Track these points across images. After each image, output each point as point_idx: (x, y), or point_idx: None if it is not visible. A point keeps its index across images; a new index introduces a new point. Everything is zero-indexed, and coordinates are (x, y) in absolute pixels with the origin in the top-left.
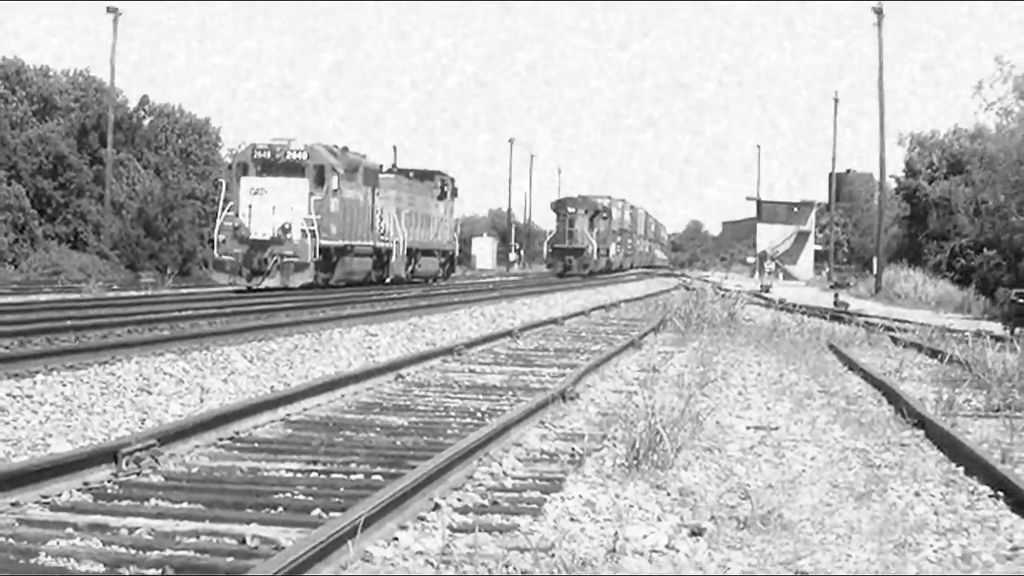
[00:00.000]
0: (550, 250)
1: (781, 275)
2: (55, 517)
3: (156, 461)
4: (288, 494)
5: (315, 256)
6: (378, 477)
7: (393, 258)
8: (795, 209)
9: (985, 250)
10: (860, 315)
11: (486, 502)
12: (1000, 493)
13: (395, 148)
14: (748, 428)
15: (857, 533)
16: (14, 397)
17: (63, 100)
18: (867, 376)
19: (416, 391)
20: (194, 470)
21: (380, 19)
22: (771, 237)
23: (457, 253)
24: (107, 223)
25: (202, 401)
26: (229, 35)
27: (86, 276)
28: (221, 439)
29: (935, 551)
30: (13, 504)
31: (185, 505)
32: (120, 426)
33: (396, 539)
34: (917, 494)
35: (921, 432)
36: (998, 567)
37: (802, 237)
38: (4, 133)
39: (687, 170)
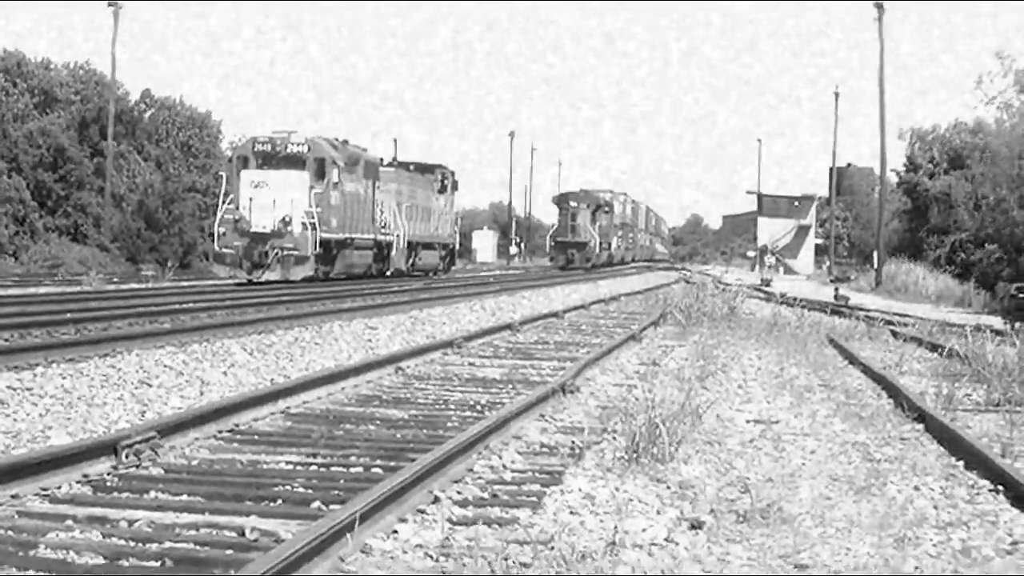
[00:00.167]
0: (553, 244)
1: (781, 269)
2: (55, 509)
3: (156, 453)
4: (288, 487)
5: (315, 249)
6: (378, 470)
7: (393, 251)
8: (796, 203)
9: (985, 244)
10: (860, 309)
11: (486, 495)
12: (1000, 487)
13: (395, 141)
14: (748, 422)
15: (857, 527)
16: (14, 389)
17: (64, 93)
18: (867, 370)
19: (416, 384)
20: (194, 463)
21: (382, 12)
22: (772, 231)
23: (457, 246)
24: (107, 216)
25: (202, 394)
26: (230, 28)
27: (86, 269)
28: (221, 431)
29: (935, 545)
30: (13, 496)
31: (185, 497)
32: (120, 418)
33: (396, 532)
34: (917, 488)
35: (921, 426)
36: (998, 561)
37: (803, 231)
38: (5, 126)
39: (688, 163)
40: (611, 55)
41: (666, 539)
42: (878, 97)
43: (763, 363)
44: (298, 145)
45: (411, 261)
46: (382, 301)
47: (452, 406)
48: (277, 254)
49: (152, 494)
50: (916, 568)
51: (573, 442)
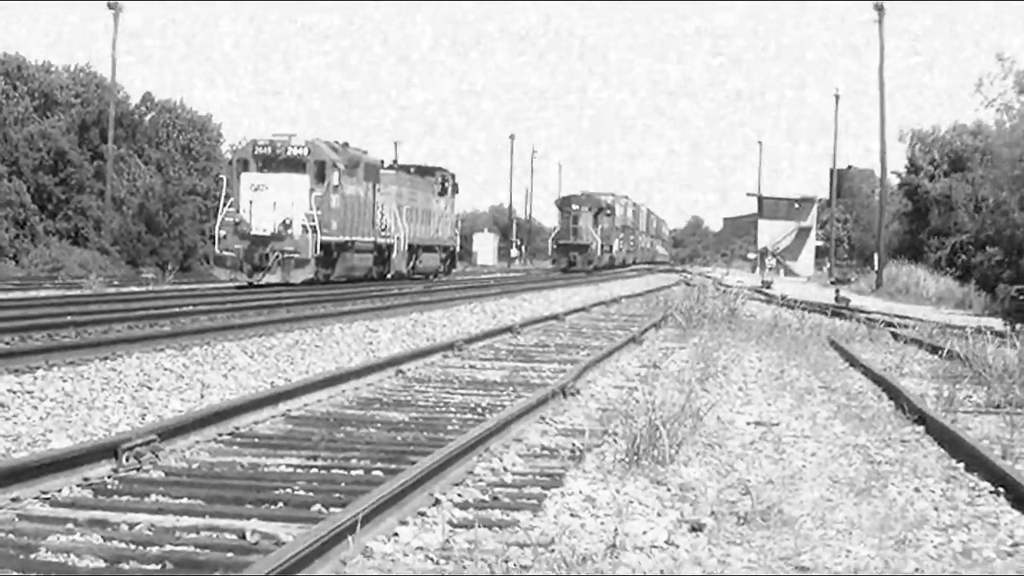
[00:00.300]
0: (555, 246)
1: (782, 271)
2: (55, 513)
3: (156, 457)
4: (288, 489)
5: (316, 252)
6: (378, 473)
7: (394, 254)
8: (796, 205)
9: (986, 246)
10: (861, 311)
11: (486, 498)
12: (1001, 489)
13: (396, 144)
14: (748, 424)
15: (857, 529)
16: (14, 393)
17: (64, 96)
18: (868, 372)
19: (417, 387)
20: (194, 466)
21: (383, 15)
22: (772, 233)
23: (458, 249)
24: (108, 219)
25: (202, 396)
26: (229, 31)
27: (87, 272)
28: (221, 435)
29: (935, 547)
30: (13, 499)
31: (185, 501)
32: (120, 422)
33: (396, 534)
34: (917, 490)
35: (922, 428)
36: (999, 563)
37: (803, 233)
38: (6, 129)
39: (688, 165)
40: (611, 56)
41: (667, 541)
42: (879, 99)
43: (764, 365)
44: (298, 148)
45: (412, 264)
46: (383, 304)
47: (453, 409)
48: (277, 257)
49: (153, 497)
50: (917, 570)
51: (573, 444)
